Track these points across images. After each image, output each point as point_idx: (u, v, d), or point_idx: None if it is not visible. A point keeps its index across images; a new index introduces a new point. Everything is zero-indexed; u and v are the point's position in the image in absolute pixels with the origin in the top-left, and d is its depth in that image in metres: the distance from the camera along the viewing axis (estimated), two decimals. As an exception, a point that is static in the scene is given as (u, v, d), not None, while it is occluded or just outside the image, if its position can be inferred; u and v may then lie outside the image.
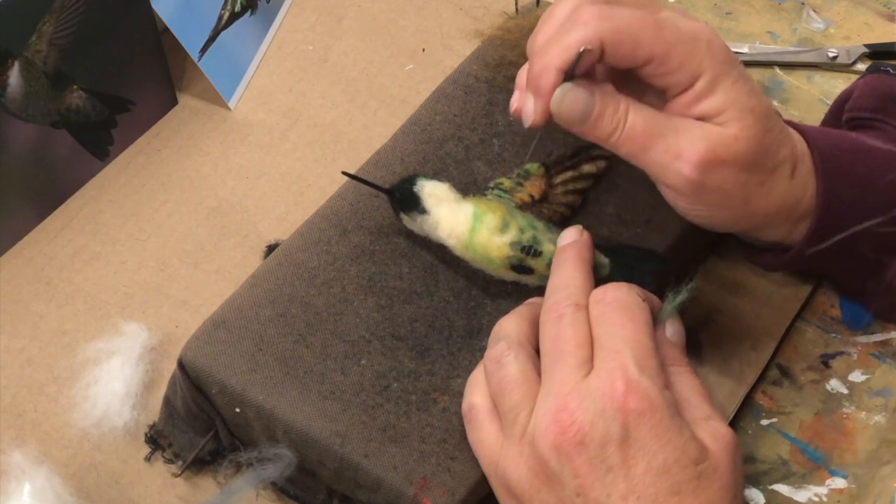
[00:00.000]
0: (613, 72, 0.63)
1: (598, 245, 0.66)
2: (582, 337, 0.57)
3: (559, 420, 0.55)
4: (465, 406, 0.61)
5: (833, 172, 0.66)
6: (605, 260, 0.65)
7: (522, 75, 0.65)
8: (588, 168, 0.70)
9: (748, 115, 0.61)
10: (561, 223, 0.68)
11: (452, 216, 0.64)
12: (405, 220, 0.67)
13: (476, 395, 0.60)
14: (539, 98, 0.61)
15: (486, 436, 0.59)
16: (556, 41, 0.60)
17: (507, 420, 0.58)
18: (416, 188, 0.65)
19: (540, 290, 0.64)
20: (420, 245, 0.69)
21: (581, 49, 0.59)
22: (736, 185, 0.62)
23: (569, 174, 0.70)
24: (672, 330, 0.62)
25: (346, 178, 0.72)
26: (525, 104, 0.62)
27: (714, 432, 0.57)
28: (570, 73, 0.60)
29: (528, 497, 0.57)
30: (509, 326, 0.61)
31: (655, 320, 0.61)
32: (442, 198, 0.65)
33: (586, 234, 0.63)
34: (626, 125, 0.61)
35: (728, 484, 0.56)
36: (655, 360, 0.57)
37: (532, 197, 0.68)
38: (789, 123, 0.68)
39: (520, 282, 0.66)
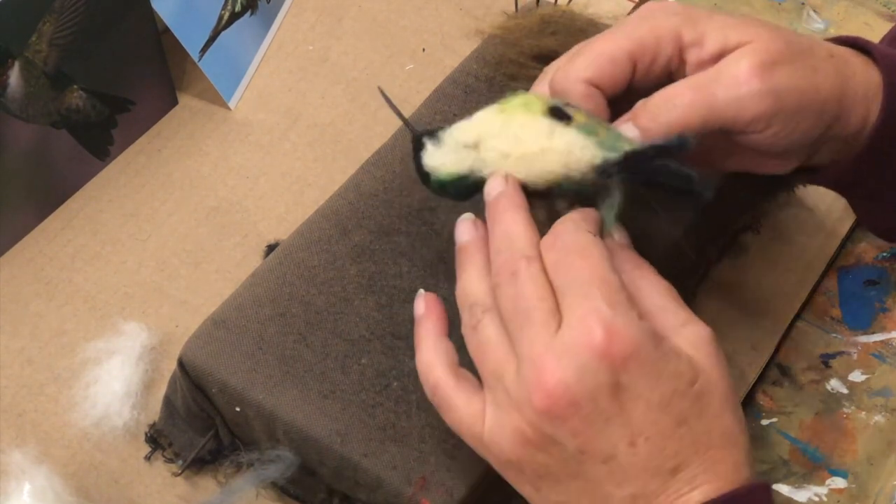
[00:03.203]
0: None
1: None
2: (542, 290, 0.54)
3: (543, 385, 0.52)
4: (428, 392, 0.58)
5: (888, 59, 0.64)
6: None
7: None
8: None
9: (747, 27, 0.60)
10: None
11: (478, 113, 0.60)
12: (431, 154, 0.60)
13: (433, 374, 0.57)
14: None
15: (460, 414, 0.56)
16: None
17: (489, 385, 0.55)
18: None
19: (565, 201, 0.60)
20: (420, 244, 0.69)
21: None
22: (798, 77, 0.60)
23: None
24: (619, 235, 0.58)
25: (345, 178, 0.73)
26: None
27: (694, 338, 0.55)
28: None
29: (527, 462, 0.54)
30: (475, 288, 0.57)
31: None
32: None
33: (512, 179, 0.58)
34: (674, 98, 0.59)
35: (725, 391, 0.54)
36: (623, 293, 0.53)
37: None
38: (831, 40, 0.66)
39: (552, 137, 0.58)
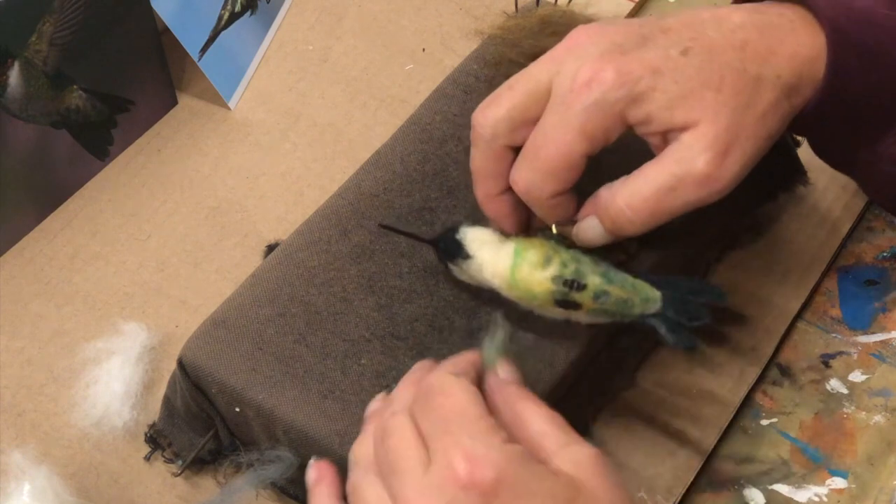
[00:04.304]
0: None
1: (648, 278, 0.64)
2: (408, 439, 0.54)
3: None
4: None
5: (842, 44, 0.61)
6: (655, 294, 0.63)
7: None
8: None
9: (692, 101, 0.58)
10: (616, 267, 0.65)
11: (495, 256, 0.63)
12: (454, 270, 0.66)
13: None
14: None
15: None
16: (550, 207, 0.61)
17: None
18: (458, 236, 0.65)
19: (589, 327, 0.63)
20: (420, 244, 0.69)
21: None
22: (752, 144, 0.59)
23: None
24: (503, 370, 0.58)
25: (345, 178, 0.73)
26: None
27: (575, 458, 0.53)
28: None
29: None
30: (360, 449, 0.58)
31: (484, 368, 0.59)
32: (485, 241, 0.64)
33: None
34: (636, 208, 0.59)
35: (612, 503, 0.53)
36: (485, 421, 0.53)
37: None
38: None
39: (570, 319, 0.64)
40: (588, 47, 0.60)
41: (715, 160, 0.58)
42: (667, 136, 0.59)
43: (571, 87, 0.59)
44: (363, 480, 0.55)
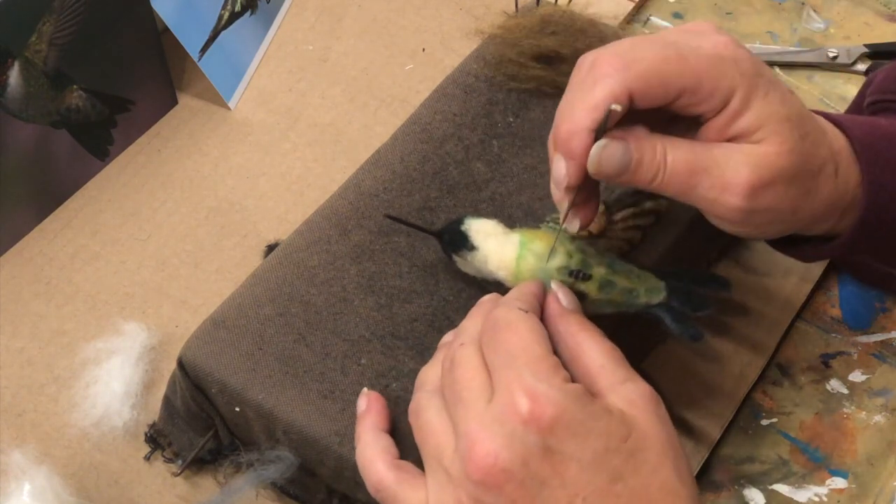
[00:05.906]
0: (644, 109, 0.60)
1: (653, 269, 0.64)
2: (474, 370, 0.56)
3: (475, 456, 0.53)
4: (371, 489, 0.59)
5: (874, 161, 0.63)
6: (660, 284, 0.63)
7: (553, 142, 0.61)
8: (650, 205, 0.69)
9: (784, 126, 0.59)
10: (620, 258, 0.65)
11: (500, 247, 0.63)
12: (458, 262, 0.66)
13: (373, 470, 0.58)
14: (572, 160, 0.59)
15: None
16: (581, 99, 0.58)
17: (430, 467, 0.56)
18: (463, 227, 0.65)
19: (594, 318, 0.61)
20: (420, 244, 0.69)
21: (609, 108, 0.56)
22: (784, 200, 0.60)
23: (629, 211, 0.68)
24: (564, 298, 0.60)
25: (345, 178, 0.73)
26: (555, 166, 0.60)
27: (630, 396, 0.55)
28: (602, 130, 0.58)
29: None
30: (428, 373, 0.60)
31: (546, 293, 0.60)
32: (489, 232, 0.64)
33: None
34: (667, 167, 0.59)
35: (662, 445, 0.55)
36: (549, 360, 0.55)
37: (590, 233, 0.67)
38: (820, 114, 0.65)
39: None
40: None
41: (751, 186, 0.58)
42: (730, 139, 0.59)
43: (713, 37, 0.60)
44: (428, 404, 0.57)
